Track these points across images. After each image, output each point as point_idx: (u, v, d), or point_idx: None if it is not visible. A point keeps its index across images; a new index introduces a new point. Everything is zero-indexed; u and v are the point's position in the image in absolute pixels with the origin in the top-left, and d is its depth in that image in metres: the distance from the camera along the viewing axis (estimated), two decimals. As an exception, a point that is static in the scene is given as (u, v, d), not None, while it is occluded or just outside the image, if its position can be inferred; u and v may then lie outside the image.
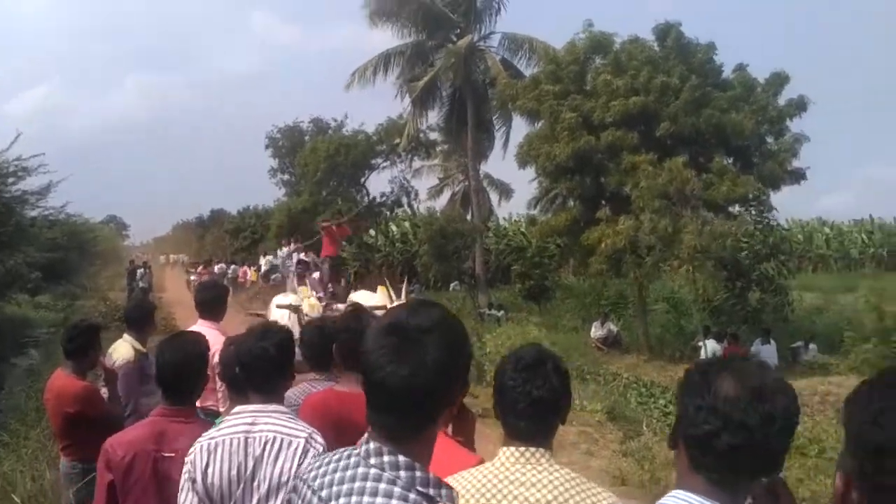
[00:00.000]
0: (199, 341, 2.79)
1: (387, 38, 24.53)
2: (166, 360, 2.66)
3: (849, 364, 11.88)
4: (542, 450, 1.78)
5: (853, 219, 53.47)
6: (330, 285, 10.73)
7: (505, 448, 1.80)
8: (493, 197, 33.01)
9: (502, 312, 19.50)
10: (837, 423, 7.44)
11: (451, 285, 26.08)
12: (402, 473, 1.27)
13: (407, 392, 1.27)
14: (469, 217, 25.28)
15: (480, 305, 21.08)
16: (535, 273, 22.09)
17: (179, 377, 2.65)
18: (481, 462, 1.92)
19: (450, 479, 1.76)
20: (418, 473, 1.27)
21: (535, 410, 1.79)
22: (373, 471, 1.29)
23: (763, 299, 16.38)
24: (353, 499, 1.28)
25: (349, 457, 1.35)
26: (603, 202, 16.53)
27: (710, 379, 1.35)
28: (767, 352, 14.84)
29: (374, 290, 9.33)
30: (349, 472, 1.32)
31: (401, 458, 1.28)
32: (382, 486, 1.26)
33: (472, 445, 2.19)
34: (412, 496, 1.25)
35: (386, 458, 1.28)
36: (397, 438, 1.30)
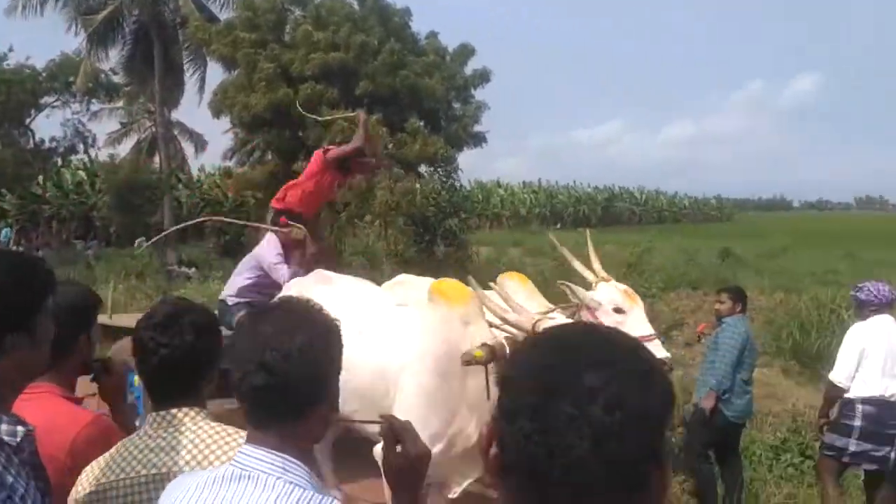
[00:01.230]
0: None
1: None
2: None
3: None
4: (185, 409, 1.66)
5: (525, 181, 60.71)
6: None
7: (148, 414, 1.68)
8: (187, 147, 31.02)
9: (193, 270, 18.48)
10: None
11: (137, 241, 24.14)
12: None
13: None
14: (157, 167, 23.45)
15: (170, 262, 19.78)
16: (230, 228, 21.31)
17: None
18: (97, 418, 1.80)
19: (105, 456, 1.62)
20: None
21: (167, 369, 1.66)
22: None
23: (448, 252, 17.81)
24: None
25: None
26: (301, 156, 16.44)
27: (242, 334, 1.35)
28: (450, 301, 16.25)
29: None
30: None
31: None
32: None
33: (118, 410, 2.05)
34: None
35: None
36: None
